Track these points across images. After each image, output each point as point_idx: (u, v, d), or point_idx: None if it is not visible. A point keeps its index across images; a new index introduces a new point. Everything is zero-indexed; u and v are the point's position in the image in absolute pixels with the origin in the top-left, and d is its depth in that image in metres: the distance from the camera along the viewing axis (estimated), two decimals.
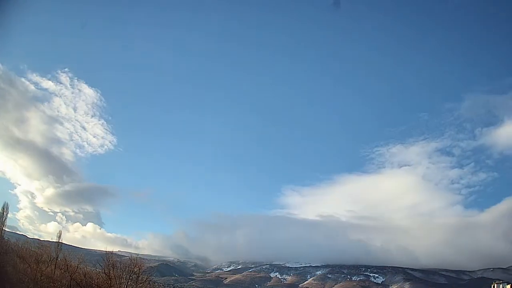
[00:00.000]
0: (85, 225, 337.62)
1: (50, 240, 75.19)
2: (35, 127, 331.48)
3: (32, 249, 61.43)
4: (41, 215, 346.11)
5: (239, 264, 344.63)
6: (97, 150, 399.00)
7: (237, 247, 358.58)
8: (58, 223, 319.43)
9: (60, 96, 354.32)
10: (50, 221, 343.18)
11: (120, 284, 45.67)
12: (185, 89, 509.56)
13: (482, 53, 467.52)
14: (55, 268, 51.64)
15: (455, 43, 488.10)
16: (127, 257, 58.61)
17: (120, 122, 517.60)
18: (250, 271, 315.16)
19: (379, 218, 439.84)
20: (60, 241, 58.95)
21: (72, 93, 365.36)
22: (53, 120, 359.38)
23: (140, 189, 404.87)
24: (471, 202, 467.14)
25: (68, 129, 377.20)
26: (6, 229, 69.78)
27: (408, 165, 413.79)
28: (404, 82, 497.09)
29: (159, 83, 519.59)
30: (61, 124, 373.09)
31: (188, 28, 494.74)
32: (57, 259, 54.27)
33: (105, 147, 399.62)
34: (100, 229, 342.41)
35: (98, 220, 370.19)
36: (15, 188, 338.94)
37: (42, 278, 47.67)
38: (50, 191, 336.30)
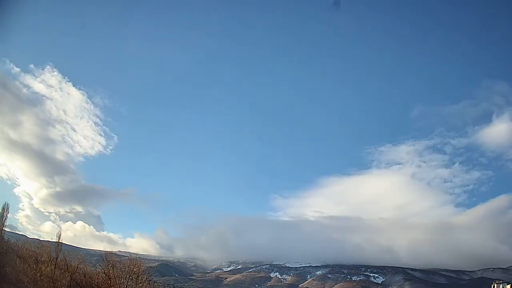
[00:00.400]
0: (75, 223, 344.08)
1: (50, 240, 75.04)
2: (29, 130, 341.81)
3: (32, 249, 61.28)
4: (38, 215, 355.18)
5: (239, 264, 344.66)
6: (88, 151, 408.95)
7: (230, 248, 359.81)
8: (53, 222, 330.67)
9: (51, 99, 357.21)
10: (46, 221, 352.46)
11: (120, 284, 45.62)
12: (184, 88, 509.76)
13: (482, 52, 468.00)
14: (55, 268, 51.51)
15: (455, 43, 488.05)
16: (127, 257, 58.53)
17: (114, 122, 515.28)
18: (250, 271, 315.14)
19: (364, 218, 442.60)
20: (60, 241, 58.81)
21: (61, 95, 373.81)
22: (46, 122, 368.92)
23: (128, 189, 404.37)
24: (464, 201, 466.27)
25: (60, 131, 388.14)
26: (6, 229, 69.57)
27: (399, 164, 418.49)
28: (404, 82, 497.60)
29: (157, 83, 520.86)
30: (54, 126, 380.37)
31: (188, 27, 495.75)
32: (57, 259, 54.16)
33: (95, 148, 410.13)
34: (89, 227, 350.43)
35: (87, 219, 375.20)
36: (14, 188, 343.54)
37: (42, 278, 47.61)
38: (44, 191, 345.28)
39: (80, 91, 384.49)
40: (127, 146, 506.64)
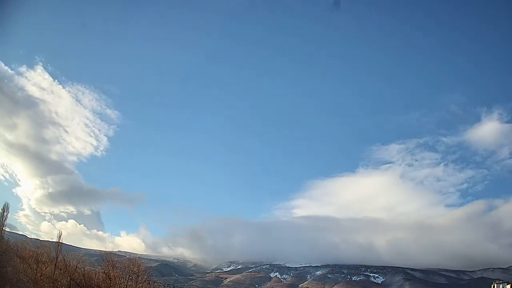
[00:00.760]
0: (67, 222, 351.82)
1: (50, 240, 75.08)
2: (24, 132, 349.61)
3: (32, 249, 61.34)
4: (36, 215, 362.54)
5: (239, 264, 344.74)
6: (80, 152, 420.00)
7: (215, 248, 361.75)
8: (48, 221, 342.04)
9: (44, 101, 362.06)
10: (42, 221, 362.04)
11: (120, 284, 45.64)
12: (184, 88, 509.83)
13: (482, 52, 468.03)
14: (55, 268, 51.53)
15: (456, 43, 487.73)
16: (127, 257, 58.57)
17: (106, 123, 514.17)
18: (250, 271, 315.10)
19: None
20: (60, 241, 58.83)
21: (53, 98, 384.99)
22: (40, 124, 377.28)
23: (114, 189, 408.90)
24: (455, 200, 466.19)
25: (53, 132, 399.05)
26: (6, 229, 69.55)
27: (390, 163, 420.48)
28: (404, 82, 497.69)
29: (156, 83, 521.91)
30: (47, 128, 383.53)
31: (188, 27, 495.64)
32: (57, 259, 54.20)
33: (87, 149, 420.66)
34: (79, 225, 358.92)
35: (79, 218, 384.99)
36: (14, 188, 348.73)
37: (42, 278, 47.64)
38: (40, 192, 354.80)
39: (70, 93, 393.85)
40: (120, 147, 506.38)
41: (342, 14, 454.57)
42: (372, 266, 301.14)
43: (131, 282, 47.04)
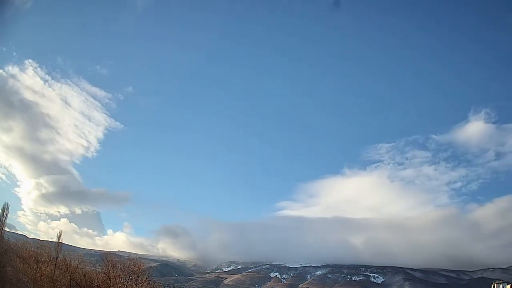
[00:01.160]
0: (60, 221, 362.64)
1: (50, 240, 75.11)
2: (19, 134, 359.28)
3: (32, 249, 61.33)
4: (34, 215, 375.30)
5: (239, 264, 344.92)
6: (73, 153, 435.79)
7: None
8: (44, 221, 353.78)
9: (37, 104, 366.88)
10: (40, 221, 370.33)
11: (120, 284, 45.61)
12: (183, 88, 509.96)
13: (483, 52, 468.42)
14: (55, 268, 51.50)
15: (454, 43, 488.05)
16: (127, 257, 58.58)
17: (102, 123, 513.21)
18: (250, 271, 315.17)
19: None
20: (60, 241, 58.82)
21: (45, 101, 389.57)
22: (34, 127, 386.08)
23: (99, 189, 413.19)
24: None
25: (47, 134, 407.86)
26: (6, 229, 69.56)
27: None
28: (398, 81, 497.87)
29: (155, 82, 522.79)
30: (41, 130, 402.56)
31: (188, 27, 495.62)
32: (57, 259, 54.18)
33: (79, 151, 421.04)
34: (70, 224, 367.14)
35: (71, 218, 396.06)
36: (13, 188, 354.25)
37: (42, 278, 47.60)
38: (36, 193, 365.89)
39: (61, 95, 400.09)
40: (114, 147, 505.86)
41: (342, 14, 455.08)
42: (372, 266, 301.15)
43: (131, 282, 47.02)
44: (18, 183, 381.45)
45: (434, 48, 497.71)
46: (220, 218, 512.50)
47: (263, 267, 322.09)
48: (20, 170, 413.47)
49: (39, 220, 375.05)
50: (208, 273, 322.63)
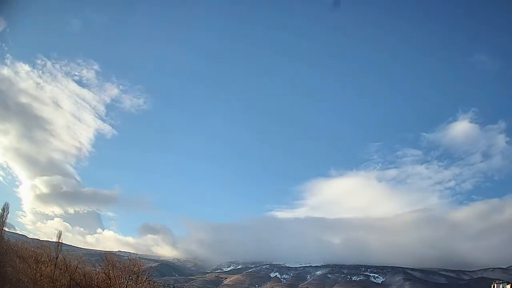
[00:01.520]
0: (53, 220, 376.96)
1: (50, 240, 75.14)
2: (16, 136, 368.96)
3: (32, 249, 61.30)
4: (33, 215, 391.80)
5: (239, 264, 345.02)
6: (67, 153, 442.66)
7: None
8: (40, 221, 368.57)
9: (31, 106, 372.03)
10: (38, 221, 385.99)
11: (120, 284, 45.57)
12: (183, 88, 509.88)
13: (483, 52, 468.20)
14: (54, 268, 51.47)
15: (453, 43, 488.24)
16: (127, 257, 58.61)
17: (114, 121, 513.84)
18: (250, 271, 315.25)
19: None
20: (60, 241, 58.81)
21: (38, 103, 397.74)
22: (29, 129, 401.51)
23: (89, 189, 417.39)
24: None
25: (41, 136, 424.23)
26: (6, 229, 69.57)
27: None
28: (403, 83, 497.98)
29: (154, 82, 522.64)
30: (36, 132, 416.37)
31: (188, 27, 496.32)
32: (57, 259, 54.17)
33: (72, 151, 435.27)
34: (63, 223, 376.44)
35: (64, 217, 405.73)
36: (13, 188, 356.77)
37: (41, 278, 47.55)
38: (34, 193, 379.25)
39: (53, 97, 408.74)
40: (113, 147, 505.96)
41: (341, 13, 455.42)
42: (372, 266, 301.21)
43: (131, 282, 46.98)
44: (17, 183, 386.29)
45: (431, 47, 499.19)
46: (200, 218, 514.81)
47: (263, 267, 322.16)
48: (19, 170, 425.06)
49: (38, 220, 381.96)
50: (208, 273, 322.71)
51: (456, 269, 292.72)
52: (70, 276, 48.42)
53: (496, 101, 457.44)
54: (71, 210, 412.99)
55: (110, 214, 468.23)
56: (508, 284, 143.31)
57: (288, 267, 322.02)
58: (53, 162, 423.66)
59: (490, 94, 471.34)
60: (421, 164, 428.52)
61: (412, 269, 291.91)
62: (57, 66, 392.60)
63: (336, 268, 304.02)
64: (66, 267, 51.53)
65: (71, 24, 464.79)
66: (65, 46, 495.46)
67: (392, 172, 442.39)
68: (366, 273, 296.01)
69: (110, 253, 50.29)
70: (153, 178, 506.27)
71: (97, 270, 57.18)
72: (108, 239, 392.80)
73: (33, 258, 53.19)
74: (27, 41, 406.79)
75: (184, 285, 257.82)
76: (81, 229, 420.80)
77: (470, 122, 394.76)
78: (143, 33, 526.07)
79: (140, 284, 48.95)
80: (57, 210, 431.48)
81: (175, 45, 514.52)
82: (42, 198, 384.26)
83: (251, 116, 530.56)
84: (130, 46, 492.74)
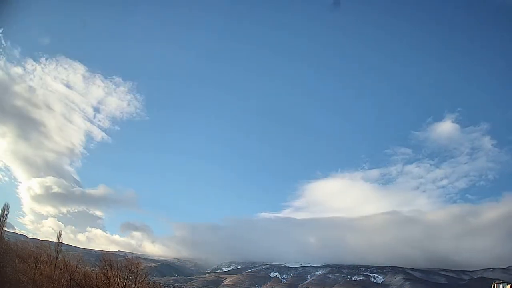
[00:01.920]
0: (47, 220, 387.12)
1: (50, 240, 75.46)
2: (12, 138, 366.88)
3: (31, 249, 61.62)
4: (33, 215, 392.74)
5: (239, 264, 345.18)
6: (61, 155, 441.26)
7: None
8: (37, 221, 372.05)
9: (26, 108, 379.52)
10: (35, 221, 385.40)
11: (119, 284, 45.87)
12: (183, 88, 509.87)
13: (484, 52, 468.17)
14: (54, 268, 51.76)
15: (457, 43, 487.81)
16: (125, 257, 58.87)
17: (112, 122, 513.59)
18: (250, 271, 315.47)
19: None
20: (60, 241, 59.10)
21: (31, 105, 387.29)
22: (24, 131, 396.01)
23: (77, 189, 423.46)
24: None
25: (36, 138, 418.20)
26: (6, 229, 69.90)
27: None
28: (403, 83, 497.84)
29: (154, 82, 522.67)
30: (31, 134, 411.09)
31: (189, 26, 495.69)
32: (57, 259, 54.47)
33: (66, 153, 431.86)
34: (56, 220, 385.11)
35: (58, 217, 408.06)
36: (14, 189, 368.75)
37: (41, 278, 47.86)
38: (31, 193, 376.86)
39: (46, 101, 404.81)
40: (113, 147, 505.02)
41: (342, 13, 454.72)
42: (372, 266, 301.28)
43: (130, 282, 47.28)
44: (16, 184, 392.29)
45: (430, 46, 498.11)
46: (182, 218, 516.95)
47: (263, 267, 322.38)
48: (17, 171, 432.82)
49: (36, 220, 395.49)
50: (208, 273, 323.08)
51: (456, 269, 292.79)
52: (70, 276, 48.73)
53: (481, 102, 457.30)
54: (63, 210, 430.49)
55: (98, 213, 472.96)
56: (508, 284, 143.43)
57: (288, 267, 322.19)
58: (48, 163, 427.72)
59: (489, 94, 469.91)
60: (411, 163, 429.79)
61: (412, 269, 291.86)
62: (46, 70, 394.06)
63: (336, 268, 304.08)
64: (66, 267, 51.86)
65: (68, 25, 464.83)
66: (59, 48, 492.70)
67: (382, 171, 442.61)
68: (366, 273, 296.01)
69: (108, 252, 50.47)
70: (143, 178, 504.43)
71: (97, 270, 57.43)
72: (98, 237, 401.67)
73: (33, 258, 53.55)
74: (20, 43, 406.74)
75: (184, 285, 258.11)
76: (73, 227, 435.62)
77: (453, 122, 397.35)
78: (142, 33, 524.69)
79: (139, 284, 49.25)
80: (51, 210, 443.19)
81: (175, 45, 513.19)
82: (38, 198, 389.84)
83: (251, 116, 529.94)
84: (129, 46, 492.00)
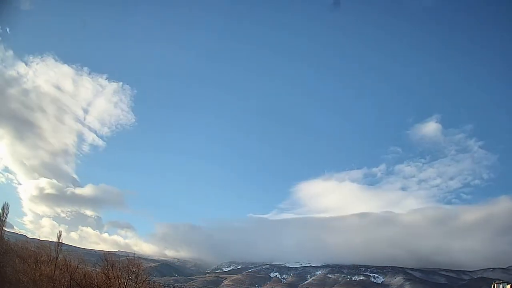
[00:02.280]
0: (42, 219, 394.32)
1: (50, 240, 75.24)
2: (10, 140, 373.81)
3: (32, 249, 61.39)
4: (32, 215, 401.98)
5: (239, 264, 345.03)
6: (57, 155, 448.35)
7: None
8: (35, 221, 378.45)
9: (21, 110, 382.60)
10: (33, 221, 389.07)
11: (120, 284, 45.68)
12: (183, 88, 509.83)
13: (484, 52, 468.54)
14: (54, 268, 51.54)
15: (457, 43, 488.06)
16: (126, 257, 58.66)
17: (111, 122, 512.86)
18: (250, 271, 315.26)
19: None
20: (60, 241, 58.87)
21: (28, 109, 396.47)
22: (21, 133, 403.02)
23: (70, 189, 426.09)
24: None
25: (32, 140, 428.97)
26: (6, 229, 69.69)
27: None
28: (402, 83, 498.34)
29: (154, 82, 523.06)
30: (26, 137, 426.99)
31: (189, 26, 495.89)
32: (57, 259, 54.24)
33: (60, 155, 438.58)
34: (51, 219, 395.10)
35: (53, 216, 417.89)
36: (14, 189, 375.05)
37: (41, 278, 47.65)
38: (30, 194, 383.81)
39: (39, 103, 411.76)
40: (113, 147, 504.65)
41: (342, 13, 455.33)
42: (372, 266, 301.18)
43: (131, 282, 47.10)
44: (16, 184, 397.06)
45: (430, 46, 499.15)
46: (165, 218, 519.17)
47: (263, 267, 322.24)
48: (17, 172, 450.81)
49: (34, 220, 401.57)
50: (208, 273, 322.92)
51: (456, 269, 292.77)
52: (70, 276, 48.53)
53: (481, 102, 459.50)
54: (58, 210, 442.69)
55: (88, 212, 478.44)
56: (508, 284, 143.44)
57: (288, 267, 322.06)
58: (43, 164, 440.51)
59: (490, 94, 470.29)
60: (402, 162, 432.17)
61: (412, 269, 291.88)
62: (38, 72, 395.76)
63: (336, 268, 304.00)
64: (66, 267, 51.63)
65: (62, 26, 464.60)
66: (50, 50, 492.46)
67: (382, 170, 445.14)
68: (366, 273, 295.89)
69: (109, 253, 50.28)
70: (142, 179, 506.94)
71: (97, 270, 57.27)
72: (90, 235, 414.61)
73: (33, 258, 53.33)
74: (12, 46, 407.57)
75: (184, 285, 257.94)
76: (66, 226, 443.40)
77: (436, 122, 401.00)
78: (142, 33, 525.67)
79: (140, 284, 49.08)
80: (46, 210, 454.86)
81: (175, 45, 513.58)
82: (34, 199, 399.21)
83: (251, 116, 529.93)
84: (128, 46, 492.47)
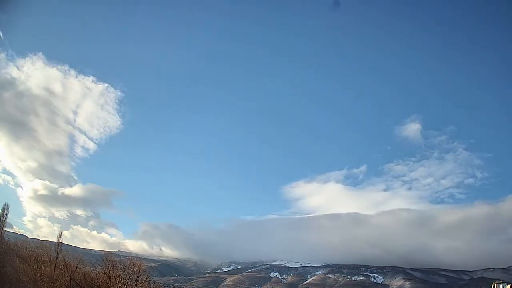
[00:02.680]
0: (37, 219, 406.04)
1: (50, 240, 75.16)
2: (7, 142, 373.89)
3: (32, 249, 61.29)
4: (31, 215, 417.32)
5: (239, 264, 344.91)
6: (52, 155, 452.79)
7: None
8: (34, 221, 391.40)
9: (16, 113, 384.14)
10: (33, 221, 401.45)
11: (120, 284, 45.55)
12: (183, 88, 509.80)
13: (485, 52, 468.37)
14: (54, 268, 51.40)
15: (457, 43, 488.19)
16: (127, 257, 58.56)
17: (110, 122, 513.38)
18: (250, 271, 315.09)
19: None
20: (60, 241, 58.73)
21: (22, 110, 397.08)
22: (16, 135, 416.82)
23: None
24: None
25: (28, 142, 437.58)
26: (6, 229, 69.52)
27: None
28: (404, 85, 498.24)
29: (153, 82, 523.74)
30: (22, 139, 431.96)
31: (189, 26, 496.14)
32: (57, 259, 54.11)
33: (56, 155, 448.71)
34: (47, 219, 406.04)
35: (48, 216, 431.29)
36: (14, 189, 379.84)
37: (41, 278, 47.53)
38: (30, 194, 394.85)
39: (33, 106, 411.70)
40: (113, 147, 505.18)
41: (342, 13, 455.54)
42: (372, 266, 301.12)
43: (132, 282, 46.97)
44: (15, 185, 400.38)
45: (430, 46, 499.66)
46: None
47: (263, 267, 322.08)
48: (16, 173, 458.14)
49: (33, 220, 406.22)
50: (208, 273, 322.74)
51: (456, 269, 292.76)
52: (70, 276, 48.41)
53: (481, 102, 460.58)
54: (52, 210, 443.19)
55: (78, 212, 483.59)
56: (508, 284, 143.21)
57: (288, 267, 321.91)
58: (40, 165, 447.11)
59: (490, 94, 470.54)
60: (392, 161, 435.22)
61: (412, 269, 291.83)
62: (30, 74, 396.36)
63: (336, 268, 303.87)
64: (66, 267, 51.52)
65: (65, 26, 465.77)
66: (43, 51, 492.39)
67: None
68: (366, 273, 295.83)
69: (110, 253, 50.17)
70: (139, 179, 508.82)
71: (97, 270, 57.17)
72: (80, 233, 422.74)
73: (33, 258, 53.23)
74: (5, 48, 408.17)
75: (184, 285, 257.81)
76: (60, 225, 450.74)
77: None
78: (142, 33, 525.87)
79: (140, 284, 48.96)
80: (42, 210, 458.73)
81: (175, 45, 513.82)
82: (31, 199, 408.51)
83: (251, 116, 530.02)
84: (128, 46, 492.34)
